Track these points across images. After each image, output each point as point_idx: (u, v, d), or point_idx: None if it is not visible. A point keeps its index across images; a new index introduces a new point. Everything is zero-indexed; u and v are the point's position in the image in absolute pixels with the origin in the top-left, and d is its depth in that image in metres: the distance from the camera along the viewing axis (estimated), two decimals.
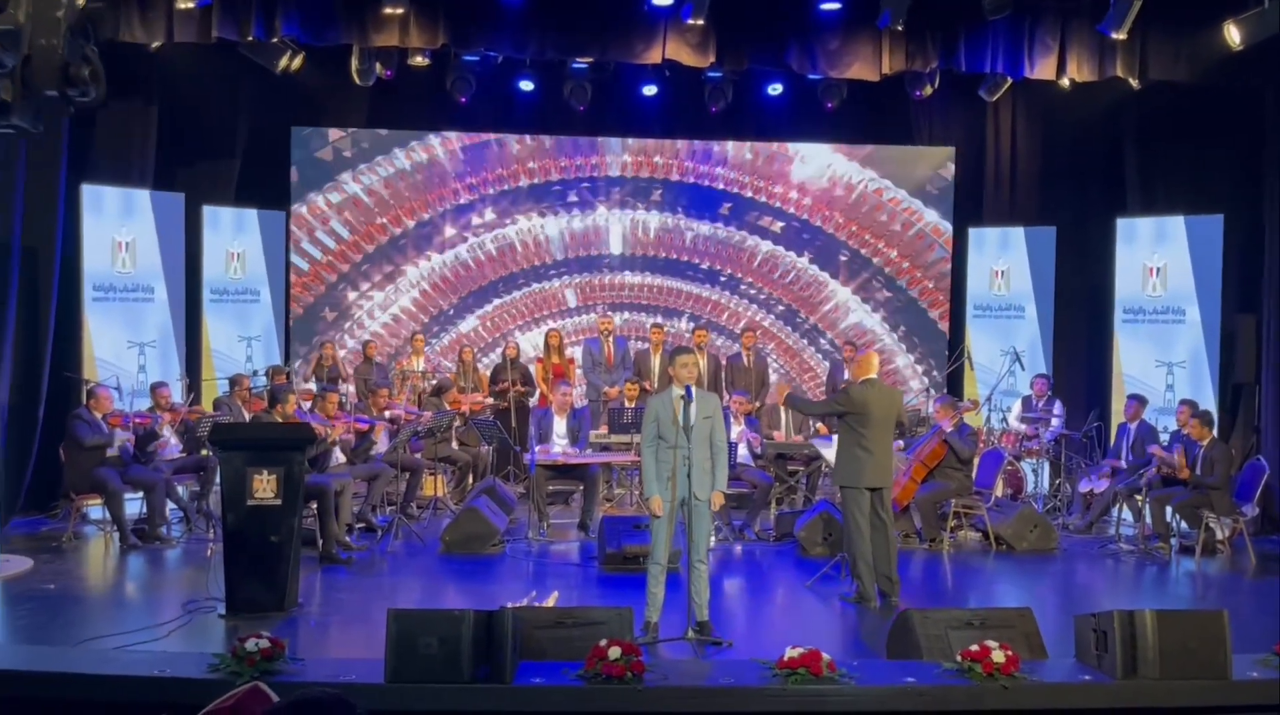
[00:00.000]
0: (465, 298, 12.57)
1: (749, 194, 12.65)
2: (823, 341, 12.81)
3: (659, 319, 12.48)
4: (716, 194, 12.64)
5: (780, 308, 12.79)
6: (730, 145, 12.59)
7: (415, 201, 12.41)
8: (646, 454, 6.37)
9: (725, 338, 12.56)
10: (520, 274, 12.61)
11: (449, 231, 12.47)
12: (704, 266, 12.72)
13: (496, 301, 12.62)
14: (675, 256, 12.70)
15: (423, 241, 12.45)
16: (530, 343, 12.40)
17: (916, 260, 12.73)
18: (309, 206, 12.24)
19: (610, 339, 11.46)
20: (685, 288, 12.74)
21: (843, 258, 12.73)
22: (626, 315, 12.65)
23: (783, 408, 10.42)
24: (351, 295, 12.40)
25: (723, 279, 12.74)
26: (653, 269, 12.70)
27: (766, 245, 12.69)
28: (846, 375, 11.05)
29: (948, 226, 12.63)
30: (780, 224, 12.66)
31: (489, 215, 12.49)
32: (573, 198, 12.55)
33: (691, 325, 12.30)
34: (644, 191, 12.60)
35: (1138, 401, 10.02)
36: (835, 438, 8.38)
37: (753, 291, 12.76)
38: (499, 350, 11.94)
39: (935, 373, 12.62)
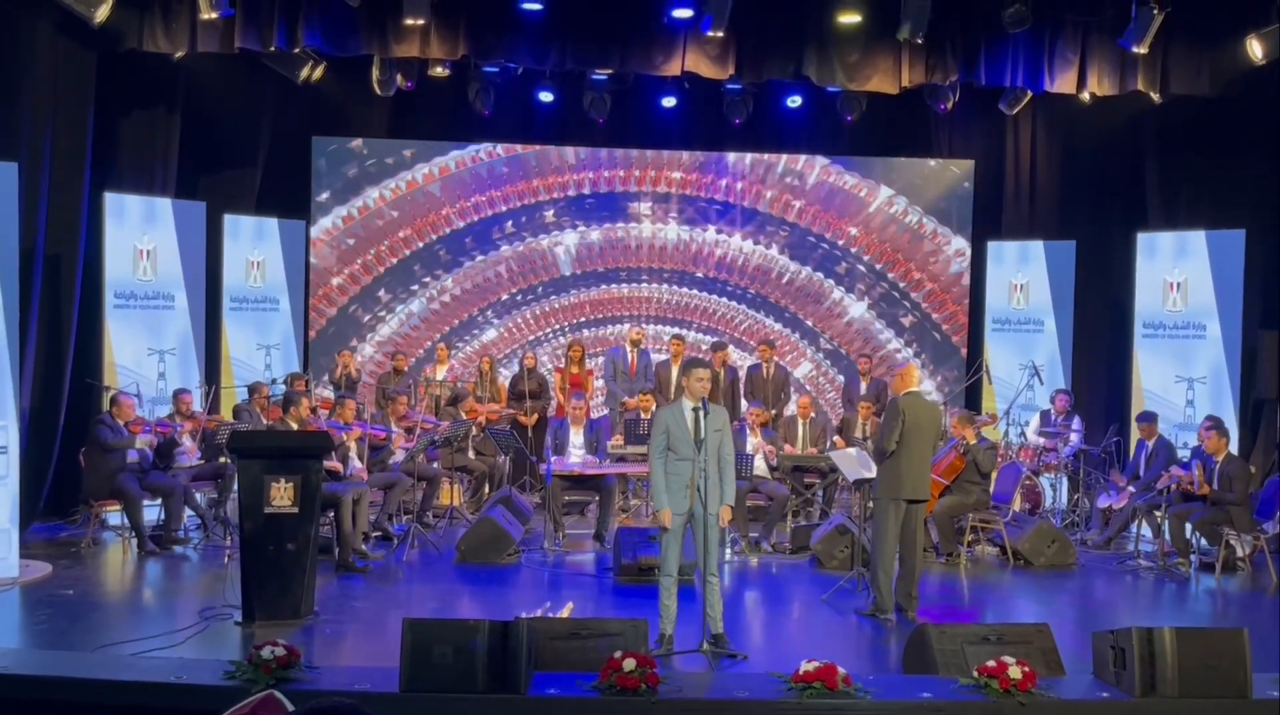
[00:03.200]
0: (485, 309, 12.61)
1: (762, 207, 12.67)
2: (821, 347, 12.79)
3: (679, 330, 12.47)
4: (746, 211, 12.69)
5: (789, 317, 12.81)
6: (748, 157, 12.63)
7: (436, 215, 12.48)
8: (655, 466, 6.30)
9: (743, 352, 12.54)
10: (541, 286, 12.66)
11: (469, 243, 12.54)
12: (719, 278, 12.75)
13: (516, 313, 12.66)
14: (697, 270, 12.74)
15: (445, 254, 12.51)
16: (549, 355, 12.44)
17: (934, 274, 12.71)
18: (332, 218, 12.31)
19: (635, 350, 11.46)
20: (704, 301, 12.76)
21: (859, 269, 12.72)
22: (649, 328, 12.66)
23: (801, 420, 10.39)
24: (374, 306, 12.46)
25: (737, 291, 12.75)
26: (674, 282, 12.73)
27: (781, 258, 12.71)
28: (863, 388, 11.03)
29: (966, 240, 12.62)
30: (785, 232, 12.67)
31: (509, 228, 12.55)
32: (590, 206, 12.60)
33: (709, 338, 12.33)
34: (662, 201, 12.66)
35: (1149, 419, 9.95)
36: (852, 451, 8.37)
37: (765, 303, 12.77)
38: (518, 360, 11.97)
39: (949, 387, 12.57)
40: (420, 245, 12.46)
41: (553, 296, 12.66)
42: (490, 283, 12.57)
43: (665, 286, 12.73)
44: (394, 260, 12.44)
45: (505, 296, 12.62)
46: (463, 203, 12.46)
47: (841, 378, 12.45)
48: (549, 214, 12.56)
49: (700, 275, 12.71)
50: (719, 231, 12.66)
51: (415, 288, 12.50)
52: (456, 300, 12.57)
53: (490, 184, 12.47)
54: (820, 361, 12.81)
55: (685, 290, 12.74)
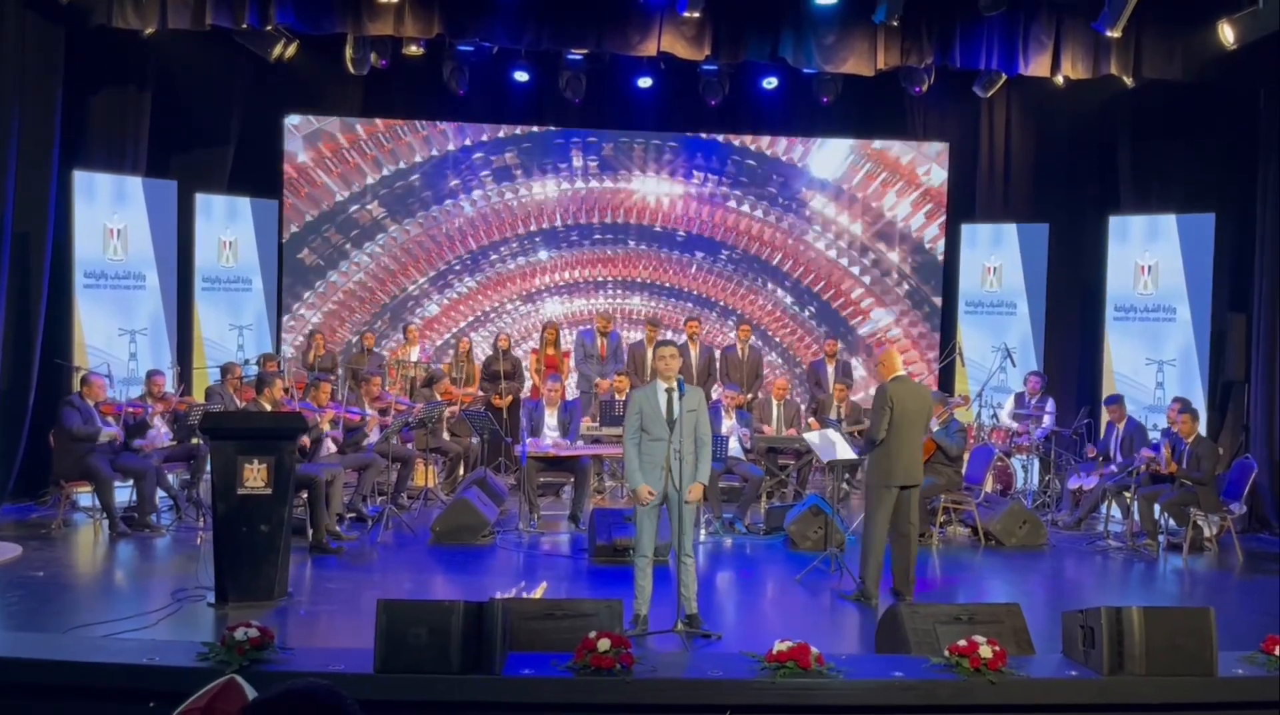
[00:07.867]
0: (465, 290, 12.58)
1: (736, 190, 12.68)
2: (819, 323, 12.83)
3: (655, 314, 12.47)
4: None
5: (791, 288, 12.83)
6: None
7: (413, 202, 12.43)
8: (629, 447, 6.33)
9: (725, 319, 12.53)
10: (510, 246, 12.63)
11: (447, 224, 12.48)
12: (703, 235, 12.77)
13: (488, 283, 12.64)
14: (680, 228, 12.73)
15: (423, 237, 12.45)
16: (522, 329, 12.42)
17: (908, 256, 12.77)
18: (306, 197, 12.22)
19: (604, 338, 11.45)
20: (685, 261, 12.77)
21: (839, 251, 12.76)
22: (618, 295, 12.60)
23: (775, 402, 10.43)
24: (349, 287, 12.39)
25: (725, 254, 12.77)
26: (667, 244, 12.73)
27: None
28: (829, 369, 11.08)
29: (940, 222, 12.66)
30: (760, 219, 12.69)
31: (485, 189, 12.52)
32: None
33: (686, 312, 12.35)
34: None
35: (1116, 402, 10.05)
36: (827, 432, 8.39)
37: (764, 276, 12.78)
38: (492, 340, 11.95)
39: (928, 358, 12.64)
40: (393, 229, 12.41)
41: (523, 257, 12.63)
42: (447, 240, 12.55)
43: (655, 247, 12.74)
44: (368, 243, 12.39)
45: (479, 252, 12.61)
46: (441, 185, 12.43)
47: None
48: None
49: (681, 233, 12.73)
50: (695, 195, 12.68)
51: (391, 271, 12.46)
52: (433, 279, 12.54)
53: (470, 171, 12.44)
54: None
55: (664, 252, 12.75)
